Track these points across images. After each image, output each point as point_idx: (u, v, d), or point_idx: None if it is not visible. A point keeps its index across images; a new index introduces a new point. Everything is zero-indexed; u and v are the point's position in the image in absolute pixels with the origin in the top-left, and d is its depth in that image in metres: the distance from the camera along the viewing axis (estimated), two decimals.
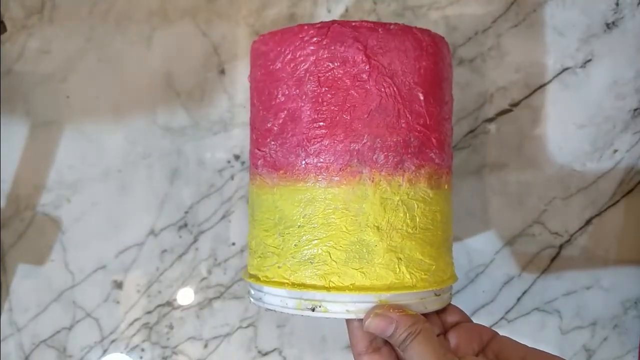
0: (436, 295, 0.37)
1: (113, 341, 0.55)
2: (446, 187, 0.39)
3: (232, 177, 0.54)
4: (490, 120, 0.53)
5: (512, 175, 0.53)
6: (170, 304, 0.54)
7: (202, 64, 0.54)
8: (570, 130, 0.52)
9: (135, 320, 0.55)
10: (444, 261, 0.38)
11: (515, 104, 0.53)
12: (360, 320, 0.35)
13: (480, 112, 0.53)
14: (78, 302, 0.55)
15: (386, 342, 0.36)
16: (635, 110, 0.52)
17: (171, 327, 0.55)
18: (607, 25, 0.52)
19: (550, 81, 0.52)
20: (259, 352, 0.54)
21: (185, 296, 0.54)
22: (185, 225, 0.54)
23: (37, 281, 0.55)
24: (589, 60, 0.52)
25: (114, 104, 0.54)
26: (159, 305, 0.55)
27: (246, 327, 0.54)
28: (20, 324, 0.55)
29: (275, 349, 0.54)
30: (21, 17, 0.55)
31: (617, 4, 0.52)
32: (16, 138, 0.54)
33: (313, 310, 0.35)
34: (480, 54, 0.52)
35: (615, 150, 0.52)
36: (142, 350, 0.55)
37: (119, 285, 0.55)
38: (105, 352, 0.55)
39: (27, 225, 0.55)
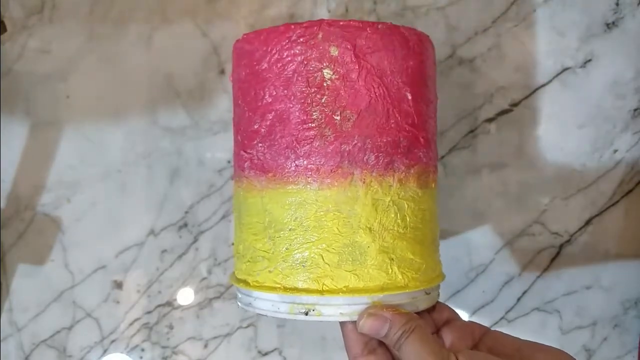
0: (426, 293, 0.38)
1: (113, 341, 0.55)
2: (433, 185, 0.39)
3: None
4: (490, 120, 0.53)
5: (512, 175, 0.53)
6: (170, 304, 0.54)
7: (202, 64, 0.54)
8: (570, 130, 0.52)
9: (135, 320, 0.55)
10: (432, 259, 0.39)
11: (515, 104, 0.53)
12: (354, 322, 0.35)
13: (480, 112, 0.53)
14: (78, 302, 0.55)
15: (381, 343, 0.36)
16: (635, 110, 0.52)
17: (171, 327, 0.54)
18: (607, 25, 0.52)
19: (550, 81, 0.52)
20: (259, 352, 0.54)
21: (185, 296, 0.54)
22: (185, 225, 0.54)
23: (37, 281, 0.55)
24: (589, 60, 0.52)
25: (114, 104, 0.54)
26: (159, 305, 0.55)
27: (246, 327, 0.54)
28: (20, 324, 0.55)
29: (275, 349, 0.54)
30: (21, 17, 0.54)
31: (617, 4, 0.52)
32: (16, 138, 0.54)
33: (306, 314, 0.35)
34: (480, 54, 0.52)
35: (615, 150, 0.52)
36: (142, 350, 0.55)
37: (119, 285, 0.55)
38: (105, 352, 0.55)
39: (27, 225, 0.55)
